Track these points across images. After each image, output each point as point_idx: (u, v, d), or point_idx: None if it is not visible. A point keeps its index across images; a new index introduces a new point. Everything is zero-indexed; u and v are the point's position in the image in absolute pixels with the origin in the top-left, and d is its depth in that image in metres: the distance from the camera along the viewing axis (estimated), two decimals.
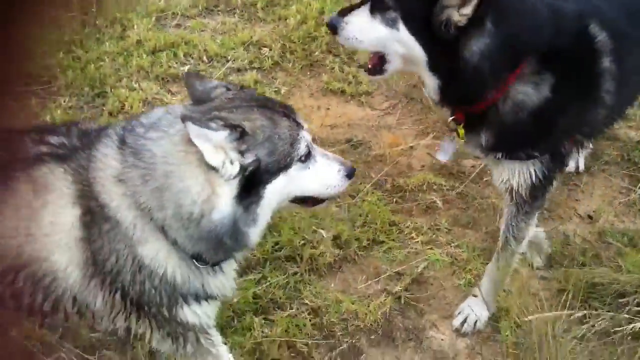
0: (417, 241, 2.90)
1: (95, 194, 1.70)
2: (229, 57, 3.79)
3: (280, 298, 2.60)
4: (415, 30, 2.00)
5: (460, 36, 1.95)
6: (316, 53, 3.88)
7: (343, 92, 3.63)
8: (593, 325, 2.51)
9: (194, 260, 1.78)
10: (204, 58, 3.77)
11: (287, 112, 1.79)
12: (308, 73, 3.78)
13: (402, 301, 2.67)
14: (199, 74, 2.12)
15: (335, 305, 2.59)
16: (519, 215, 2.37)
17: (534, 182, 2.26)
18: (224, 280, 1.90)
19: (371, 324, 2.56)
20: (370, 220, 2.93)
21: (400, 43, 2.05)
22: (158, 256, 1.73)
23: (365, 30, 2.10)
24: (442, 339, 2.58)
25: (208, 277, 1.84)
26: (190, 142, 1.59)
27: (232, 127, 1.62)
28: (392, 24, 2.03)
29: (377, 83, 3.68)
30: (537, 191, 2.30)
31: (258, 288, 2.61)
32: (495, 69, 2.02)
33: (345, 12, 2.16)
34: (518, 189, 2.29)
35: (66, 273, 1.72)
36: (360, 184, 3.10)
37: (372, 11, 2.07)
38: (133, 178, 1.68)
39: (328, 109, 3.56)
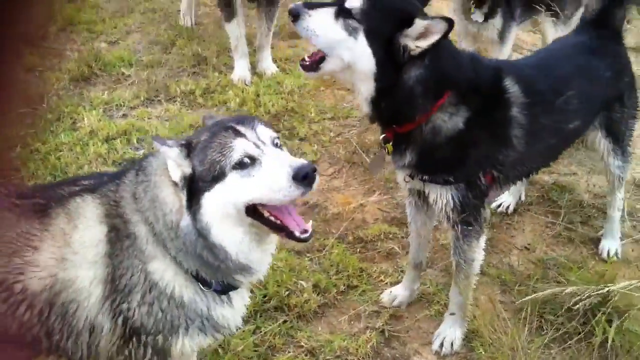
0: (386, 282, 3.25)
1: (120, 212, 1.96)
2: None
3: (277, 344, 2.83)
4: (375, 45, 2.35)
5: (409, 60, 2.37)
6: None
7: None
8: (550, 334, 2.94)
9: (199, 284, 1.98)
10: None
11: (235, 125, 1.92)
12: None
13: (386, 334, 2.97)
14: (212, 114, 2.38)
15: (328, 344, 2.85)
16: (460, 239, 2.76)
17: (457, 206, 2.64)
18: (232, 313, 2.08)
19: (363, 357, 2.83)
20: (341, 268, 3.25)
21: (351, 50, 2.37)
22: (166, 273, 1.94)
23: (325, 28, 2.39)
24: None
25: (215, 304, 2.02)
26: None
27: (183, 144, 1.88)
28: (352, 32, 2.36)
29: (319, 153, 4.09)
30: (467, 217, 2.69)
31: (255, 337, 2.83)
32: (424, 95, 2.43)
33: (311, 5, 2.44)
34: (445, 212, 2.68)
35: (89, 291, 1.92)
36: (325, 239, 3.43)
37: (337, 15, 2.39)
38: (140, 192, 1.96)
39: None
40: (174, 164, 1.87)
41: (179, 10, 5.78)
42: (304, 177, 1.81)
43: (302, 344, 2.85)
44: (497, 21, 4.34)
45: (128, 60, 4.93)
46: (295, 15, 2.43)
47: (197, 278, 1.97)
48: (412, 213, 3.00)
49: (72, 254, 1.92)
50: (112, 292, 1.93)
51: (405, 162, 2.61)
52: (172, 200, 1.89)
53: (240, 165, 1.84)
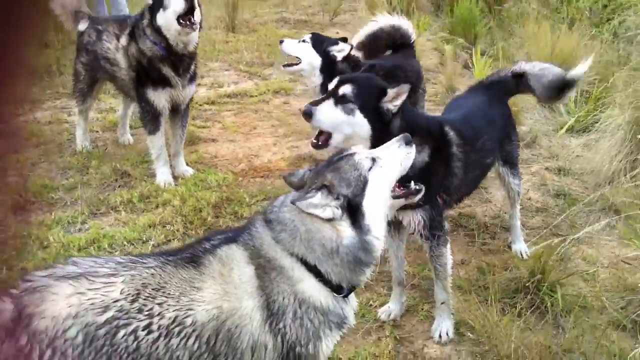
0: (376, 305, 4.09)
1: (262, 254, 2.62)
2: (144, 239, 4.64)
3: None
4: (368, 115, 3.33)
5: (391, 118, 3.38)
6: (208, 219, 4.95)
7: None
8: (511, 312, 3.98)
9: (333, 294, 2.69)
10: (125, 243, 4.56)
11: (340, 156, 2.68)
12: None
13: (398, 338, 3.80)
14: (292, 172, 2.97)
15: (358, 354, 3.61)
16: (434, 249, 3.75)
17: (427, 224, 3.62)
18: (352, 308, 2.79)
19: (389, 357, 3.63)
20: None
21: (351, 125, 3.33)
22: (313, 290, 2.61)
23: (330, 115, 3.36)
24: (434, 351, 3.76)
25: (344, 305, 2.72)
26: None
27: (319, 188, 2.61)
28: (350, 112, 3.34)
29: None
30: (434, 229, 3.68)
31: None
32: None
33: (315, 103, 3.45)
34: (417, 229, 3.66)
35: (251, 317, 2.50)
36: None
37: (336, 103, 3.37)
38: (285, 238, 2.64)
39: None
40: (320, 208, 2.55)
41: (69, 140, 6.31)
42: (407, 143, 2.80)
43: (340, 356, 3.57)
44: None
45: (51, 186, 5.36)
46: (309, 115, 3.39)
47: (333, 288, 2.63)
48: (389, 241, 3.93)
49: (234, 289, 2.51)
50: (269, 315, 2.52)
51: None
52: (330, 233, 2.57)
53: (370, 168, 2.65)
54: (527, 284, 4.10)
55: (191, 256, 2.61)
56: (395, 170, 2.78)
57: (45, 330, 2.30)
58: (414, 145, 2.86)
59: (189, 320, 2.42)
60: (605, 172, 5.56)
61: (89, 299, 2.36)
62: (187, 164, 5.84)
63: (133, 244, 4.59)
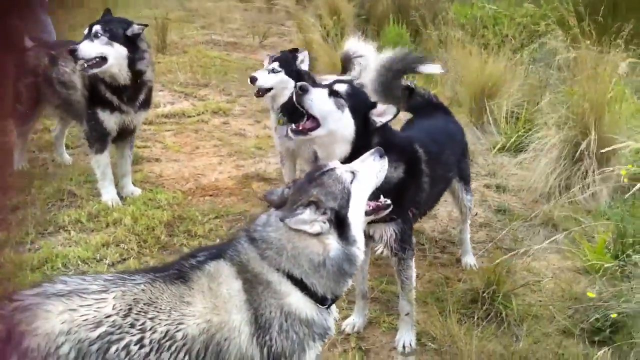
0: (340, 317, 4.17)
1: (249, 269, 2.67)
2: (98, 257, 4.58)
3: None
4: (356, 117, 3.48)
5: (373, 131, 3.53)
6: (162, 237, 4.93)
7: None
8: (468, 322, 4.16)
9: (317, 305, 2.75)
10: (79, 262, 4.48)
11: (321, 171, 2.77)
12: (169, 252, 4.81)
13: (363, 349, 3.90)
14: (271, 190, 3.02)
15: None
16: (402, 262, 3.89)
17: (398, 237, 3.77)
18: (333, 318, 2.86)
19: None
20: None
21: (338, 120, 3.45)
22: (299, 303, 2.68)
23: (322, 101, 3.46)
24: None
25: (327, 315, 2.79)
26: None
27: (307, 205, 2.69)
28: (340, 106, 3.47)
29: None
30: (404, 243, 3.83)
31: None
32: None
33: (313, 85, 3.61)
34: (389, 242, 3.80)
35: (239, 331, 2.55)
36: None
37: (330, 94, 3.49)
38: (271, 255, 2.70)
39: None
40: (308, 224, 2.63)
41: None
42: (381, 156, 2.94)
43: None
44: None
45: None
46: (304, 90, 3.46)
47: (317, 300, 2.70)
48: None
49: (223, 303, 2.55)
50: (257, 329, 2.57)
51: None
52: (317, 247, 2.66)
53: (352, 180, 2.77)
54: (483, 295, 4.27)
55: (179, 272, 2.64)
56: (372, 182, 2.90)
57: (38, 348, 2.28)
58: (386, 158, 2.99)
59: (179, 335, 2.45)
60: (542, 189, 5.89)
61: (81, 315, 2.36)
62: (133, 184, 5.77)
63: (87, 263, 4.51)
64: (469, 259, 4.93)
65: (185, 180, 6.10)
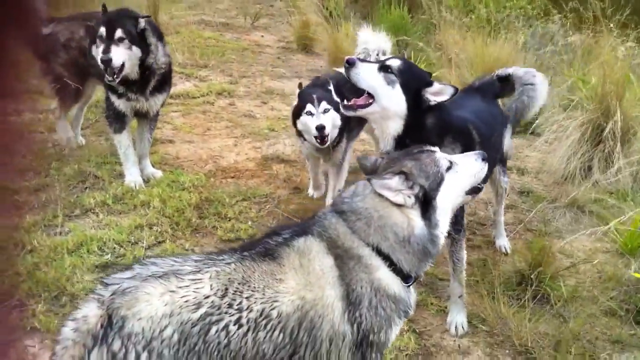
0: None
1: (339, 244, 2.65)
2: (133, 240, 4.47)
3: None
4: (407, 94, 3.43)
5: (426, 109, 3.50)
6: (193, 220, 4.84)
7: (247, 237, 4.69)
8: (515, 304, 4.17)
9: (402, 282, 2.77)
10: (115, 246, 4.37)
11: (421, 149, 2.80)
12: (202, 234, 4.73)
13: (417, 332, 3.89)
14: (365, 155, 3.04)
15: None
16: (453, 243, 3.89)
17: (452, 218, 3.79)
18: (414, 297, 2.86)
19: (414, 348, 3.71)
20: None
21: (389, 97, 3.41)
22: (387, 278, 2.67)
23: (370, 75, 3.43)
24: (452, 343, 3.88)
25: (409, 294, 2.80)
26: (381, 197, 2.66)
27: (398, 173, 2.70)
28: (390, 82, 3.41)
29: (253, 228, 4.84)
30: (457, 224, 3.80)
31: None
32: (437, 133, 3.56)
33: (361, 60, 3.55)
34: None
35: (333, 308, 2.53)
36: None
37: (380, 69, 3.44)
38: (360, 227, 2.68)
39: None
40: (393, 192, 2.63)
41: None
42: (483, 159, 2.90)
43: None
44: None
45: (11, 188, 5.03)
46: (351, 64, 3.41)
47: (402, 277, 2.70)
48: None
49: (316, 279, 2.53)
50: (348, 305, 2.56)
51: None
52: (401, 220, 2.65)
53: (448, 168, 2.74)
54: (530, 277, 4.28)
55: (265, 250, 2.61)
56: (470, 180, 2.89)
57: (142, 331, 2.22)
58: (487, 163, 2.96)
59: (274, 312, 2.42)
60: (563, 171, 5.93)
61: (182, 297, 2.31)
62: (152, 166, 5.65)
63: (122, 246, 4.40)
64: (503, 241, 4.94)
65: (204, 162, 5.99)
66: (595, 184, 5.76)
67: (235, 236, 4.70)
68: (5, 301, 1.32)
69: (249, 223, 4.89)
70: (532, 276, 4.24)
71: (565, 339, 3.80)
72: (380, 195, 2.65)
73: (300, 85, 5.05)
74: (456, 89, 3.50)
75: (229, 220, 4.90)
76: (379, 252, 2.65)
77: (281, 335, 2.42)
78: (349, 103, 3.50)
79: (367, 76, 3.43)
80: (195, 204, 5.06)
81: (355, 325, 2.57)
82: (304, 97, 4.75)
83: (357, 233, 2.66)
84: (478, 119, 4.07)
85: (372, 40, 5.64)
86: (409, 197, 2.65)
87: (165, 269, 2.39)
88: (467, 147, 3.66)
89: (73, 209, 4.87)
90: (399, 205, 2.64)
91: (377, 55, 5.44)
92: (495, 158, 4.23)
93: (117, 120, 5.26)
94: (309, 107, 4.68)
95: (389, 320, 2.67)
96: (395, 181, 2.64)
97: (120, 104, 5.25)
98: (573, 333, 3.88)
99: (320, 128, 4.60)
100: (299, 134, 4.87)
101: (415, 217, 2.67)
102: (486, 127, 4.05)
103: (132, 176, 5.32)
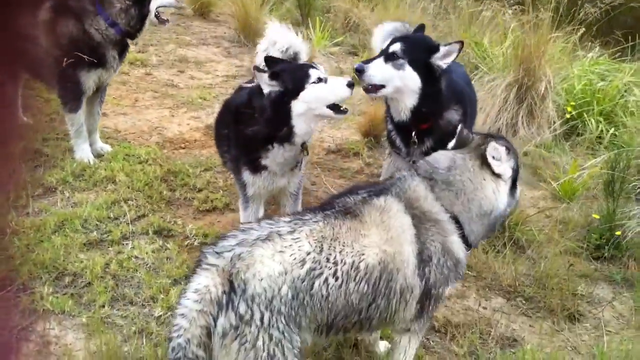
0: None
1: (416, 206, 2.86)
2: (112, 216, 4.39)
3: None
4: (418, 68, 3.69)
5: (439, 76, 3.76)
6: (164, 192, 4.80)
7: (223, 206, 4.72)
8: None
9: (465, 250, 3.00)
10: (97, 222, 4.27)
11: (505, 139, 3.14)
12: (176, 206, 4.71)
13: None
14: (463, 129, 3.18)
15: None
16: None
17: None
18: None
19: None
20: None
21: (401, 79, 3.69)
22: (457, 243, 2.92)
23: (380, 71, 3.70)
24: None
25: (465, 261, 3.06)
26: (481, 169, 2.92)
27: (508, 148, 2.98)
28: (399, 67, 3.69)
29: (225, 197, 4.87)
30: None
31: None
32: (448, 99, 3.87)
33: (366, 61, 3.77)
34: None
35: (408, 262, 2.75)
36: None
37: (386, 60, 3.70)
38: (447, 197, 2.91)
39: (219, 221, 4.60)
40: (497, 161, 2.89)
41: None
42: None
43: None
44: None
45: None
46: (360, 72, 3.65)
47: (466, 245, 2.94)
48: None
49: (396, 235, 2.72)
50: (420, 261, 2.77)
51: (424, 148, 3.91)
52: (491, 194, 2.91)
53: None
54: (504, 224, 4.67)
55: (345, 208, 2.78)
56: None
57: (264, 291, 2.35)
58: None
59: (362, 265, 2.62)
60: (492, 128, 6.42)
61: (290, 255, 2.46)
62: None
63: (104, 223, 4.31)
64: None
65: (148, 134, 5.87)
66: (520, 138, 6.29)
67: (211, 206, 4.72)
68: (9, 286, 1.39)
69: (221, 193, 4.91)
70: (505, 223, 4.62)
71: (543, 277, 4.24)
72: (481, 169, 2.90)
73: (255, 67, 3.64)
74: (462, 43, 3.75)
75: (200, 191, 4.91)
76: (456, 220, 2.90)
77: (366, 286, 2.62)
78: (370, 87, 3.75)
79: (377, 73, 3.68)
80: (162, 176, 4.99)
81: (423, 280, 2.80)
82: (293, 73, 3.54)
83: (441, 200, 2.89)
84: (465, 82, 4.39)
85: (282, 39, 5.00)
86: (510, 169, 2.94)
87: (267, 232, 2.51)
88: (464, 109, 3.97)
89: (34, 189, 4.64)
90: (495, 178, 2.90)
91: (290, 54, 4.20)
92: (474, 115, 4.56)
93: (76, 99, 5.04)
94: (314, 72, 3.46)
95: (447, 280, 2.90)
96: (504, 153, 2.90)
97: (89, 78, 5.02)
98: (548, 272, 4.32)
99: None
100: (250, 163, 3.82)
101: (503, 192, 2.95)
102: (470, 90, 4.38)
103: (83, 152, 5.15)
